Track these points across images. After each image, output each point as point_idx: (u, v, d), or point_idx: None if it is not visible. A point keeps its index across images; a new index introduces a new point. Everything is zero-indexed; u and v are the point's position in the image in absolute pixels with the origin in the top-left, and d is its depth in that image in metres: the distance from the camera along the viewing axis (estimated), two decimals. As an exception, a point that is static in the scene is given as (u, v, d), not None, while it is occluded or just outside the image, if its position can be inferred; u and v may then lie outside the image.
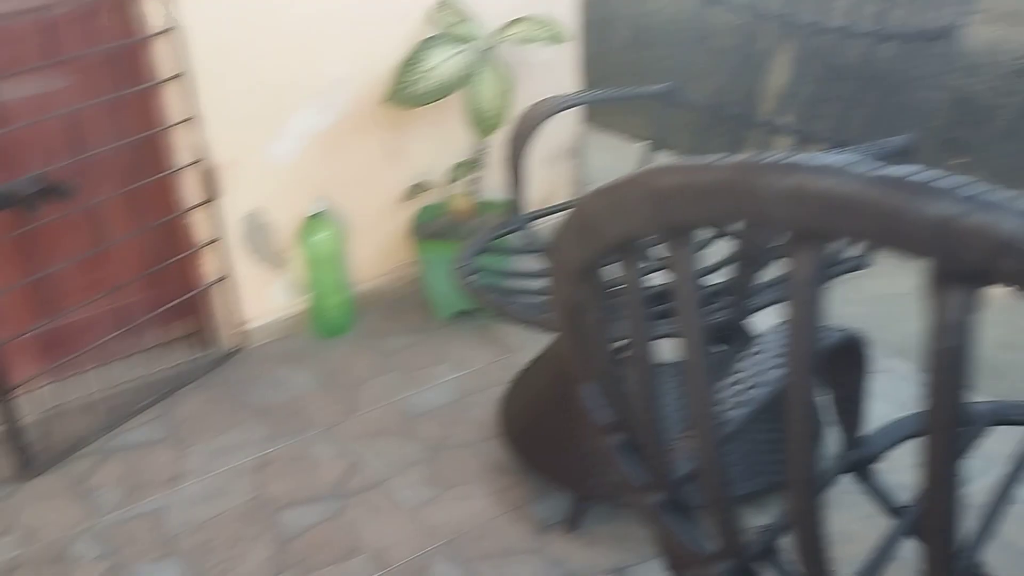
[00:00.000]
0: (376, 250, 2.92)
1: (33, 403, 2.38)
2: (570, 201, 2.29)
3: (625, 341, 0.80)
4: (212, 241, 2.61)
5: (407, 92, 2.57)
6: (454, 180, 2.78)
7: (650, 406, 0.80)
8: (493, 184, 2.79)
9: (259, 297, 2.75)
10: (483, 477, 2.24)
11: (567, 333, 0.87)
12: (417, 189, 2.80)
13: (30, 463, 2.29)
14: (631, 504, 0.92)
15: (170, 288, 2.62)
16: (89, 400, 2.51)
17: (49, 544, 2.10)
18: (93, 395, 2.52)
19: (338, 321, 2.81)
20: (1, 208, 2.09)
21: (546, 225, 2.19)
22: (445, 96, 2.58)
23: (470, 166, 2.75)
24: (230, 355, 2.72)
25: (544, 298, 2.04)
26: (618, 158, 3.19)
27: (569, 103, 2.34)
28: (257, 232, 2.69)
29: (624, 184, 0.64)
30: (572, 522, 2.05)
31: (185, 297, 2.64)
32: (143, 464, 2.34)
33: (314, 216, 2.67)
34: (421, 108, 2.64)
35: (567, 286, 0.82)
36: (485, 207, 2.79)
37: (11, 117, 2.25)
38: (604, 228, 0.69)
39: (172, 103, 2.44)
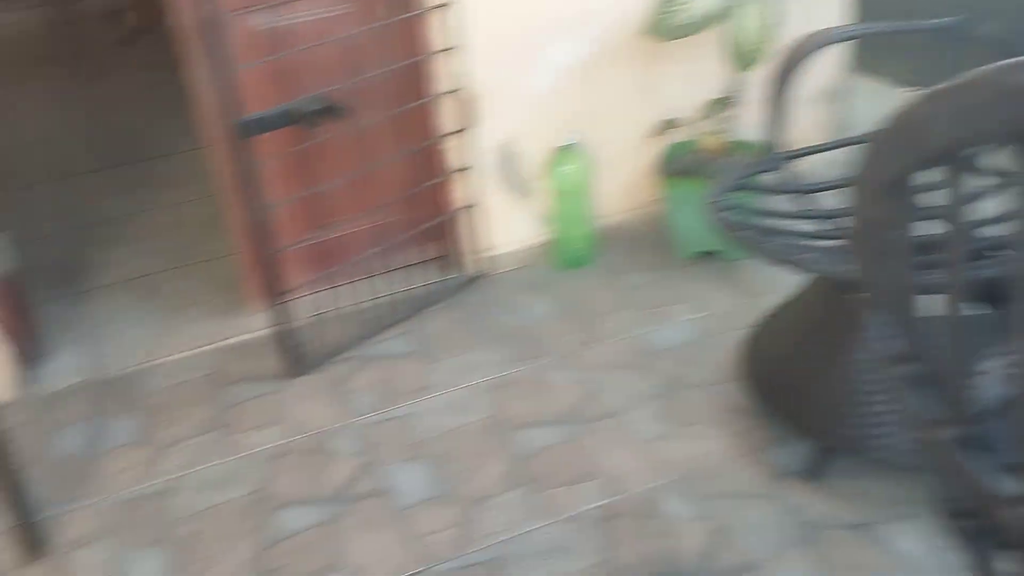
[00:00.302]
0: (622, 185, 2.92)
1: (302, 309, 2.58)
2: (834, 141, 2.17)
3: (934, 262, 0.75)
4: (464, 168, 2.70)
5: (666, 24, 2.52)
6: (707, 117, 2.71)
7: (957, 333, 0.75)
8: (747, 123, 2.69)
9: (505, 226, 2.83)
10: (719, 418, 2.21)
11: (864, 254, 0.83)
12: (668, 125, 2.75)
13: (298, 363, 2.50)
14: (918, 441, 0.87)
15: (424, 211, 2.75)
16: (350, 310, 2.70)
17: (312, 436, 2.30)
18: (353, 306, 2.71)
19: (580, 254, 2.85)
20: (285, 125, 2.26)
21: (804, 166, 2.10)
22: (705, 29, 2.51)
23: (725, 103, 2.67)
24: (475, 279, 2.82)
25: (799, 239, 1.96)
26: (885, 105, 2.98)
27: (839, 36, 2.21)
28: (507, 162, 2.75)
29: (970, 82, 0.59)
30: (813, 472, 1.99)
31: (436, 221, 2.77)
32: (395, 373, 2.49)
33: (563, 148, 2.70)
34: (678, 41, 2.58)
35: (872, 201, 0.77)
36: (737, 146, 2.71)
37: (296, 40, 2.42)
38: (933, 133, 0.64)
39: (437, 32, 2.52)
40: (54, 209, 3.43)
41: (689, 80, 2.77)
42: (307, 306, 2.62)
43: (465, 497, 2.07)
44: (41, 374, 2.56)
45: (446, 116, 2.64)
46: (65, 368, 2.58)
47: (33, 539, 2.01)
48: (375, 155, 2.59)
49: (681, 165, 2.73)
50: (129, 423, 2.37)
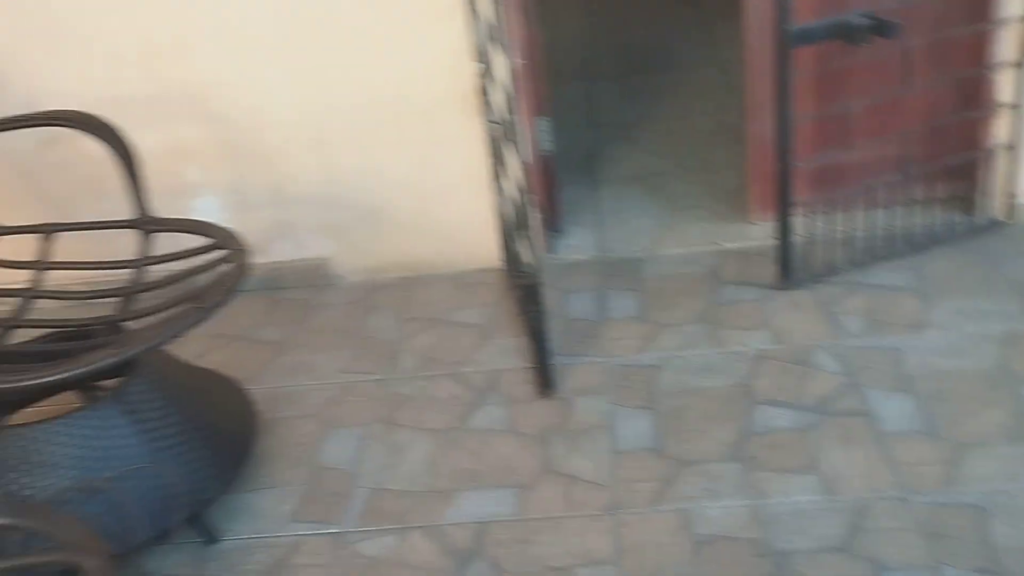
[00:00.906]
0: None
1: (801, 226, 2.60)
2: None
3: None
4: (1008, 105, 2.49)
5: None
6: None
7: None
8: None
9: (1041, 174, 2.57)
10: None
11: None
12: None
13: (790, 277, 2.55)
14: None
15: (949, 146, 2.59)
16: (849, 236, 2.66)
17: (794, 348, 2.34)
18: (854, 232, 2.66)
19: None
20: (832, 38, 2.25)
21: None
22: None
23: None
24: (995, 225, 2.62)
25: None
26: None
27: None
28: (1061, 102, 2.48)
29: None
30: None
31: (963, 158, 2.59)
32: (887, 305, 2.43)
33: None
34: None
35: None
36: None
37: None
38: None
39: (1012, -49, 2.33)
40: (580, 106, 3.79)
41: None
42: (807, 224, 2.63)
43: (956, 439, 1.99)
44: (559, 246, 2.90)
45: (1002, 44, 2.43)
46: (579, 244, 2.89)
47: (545, 380, 2.33)
48: (910, 79, 2.48)
49: None
50: (630, 300, 2.61)
